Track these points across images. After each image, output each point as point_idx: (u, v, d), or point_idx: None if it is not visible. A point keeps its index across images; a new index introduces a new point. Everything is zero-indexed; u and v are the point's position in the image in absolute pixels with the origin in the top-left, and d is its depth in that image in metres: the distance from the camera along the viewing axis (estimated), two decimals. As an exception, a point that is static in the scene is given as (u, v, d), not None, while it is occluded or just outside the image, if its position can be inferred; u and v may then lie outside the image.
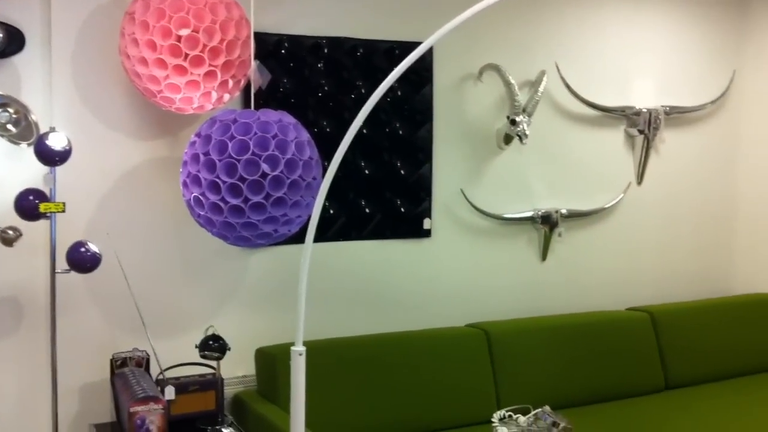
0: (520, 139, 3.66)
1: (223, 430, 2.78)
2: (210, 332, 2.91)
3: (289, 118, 2.68)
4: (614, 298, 4.21)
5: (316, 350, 3.13)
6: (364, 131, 3.44)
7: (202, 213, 2.60)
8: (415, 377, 3.32)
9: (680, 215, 4.44)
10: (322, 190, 2.00)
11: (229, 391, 3.19)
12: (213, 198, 2.54)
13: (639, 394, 3.83)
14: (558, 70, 3.92)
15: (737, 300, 4.36)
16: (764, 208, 4.46)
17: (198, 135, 2.64)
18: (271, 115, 2.63)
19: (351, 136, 1.96)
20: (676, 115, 4.32)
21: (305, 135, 2.68)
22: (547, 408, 2.42)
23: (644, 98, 4.23)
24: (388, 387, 3.26)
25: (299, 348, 2.04)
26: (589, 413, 3.55)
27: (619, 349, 3.84)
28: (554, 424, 2.37)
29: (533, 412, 2.41)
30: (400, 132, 3.54)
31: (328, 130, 3.35)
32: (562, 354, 3.68)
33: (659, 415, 3.54)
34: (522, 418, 2.40)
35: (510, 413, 2.42)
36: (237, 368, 3.25)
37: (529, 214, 3.91)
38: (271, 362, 3.08)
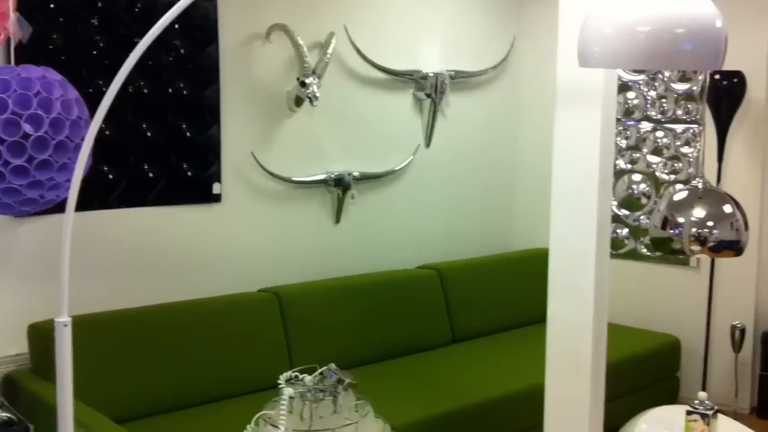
0: (311, 101, 3.64)
1: (-10, 412, 2.58)
2: (-28, 309, 2.68)
3: (53, 75, 2.48)
4: (406, 257, 4.33)
5: (97, 323, 3.01)
6: (145, 91, 3.28)
7: (-46, 178, 2.36)
8: (205, 346, 3.24)
9: (466, 176, 4.64)
10: (83, 152, 1.87)
11: (0, 371, 2.97)
12: (-33, 161, 2.31)
13: (429, 348, 3.98)
14: (347, 32, 3.93)
15: (516, 255, 4.63)
16: (541, 168, 4.73)
17: (-52, 92, 2.38)
18: (33, 71, 2.42)
19: (114, 91, 1.83)
20: (461, 79, 4.48)
21: (73, 93, 2.50)
22: (332, 366, 2.43)
23: (431, 63, 4.35)
24: (178, 357, 3.16)
25: (63, 319, 1.92)
26: (381, 369, 3.65)
27: (410, 306, 3.96)
28: (339, 381, 2.38)
29: (319, 371, 2.41)
30: (185, 92, 3.40)
31: (104, 89, 3.14)
32: (355, 314, 3.75)
33: (447, 367, 3.70)
34: (308, 378, 2.39)
35: (296, 374, 2.41)
36: (9, 347, 3.02)
37: (321, 176, 3.92)
38: (45, 338, 2.88)
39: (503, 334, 4.29)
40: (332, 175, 3.93)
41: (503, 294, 4.38)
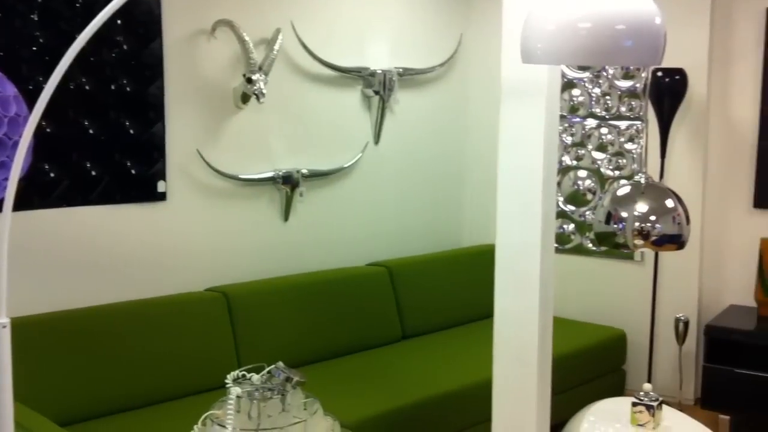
0: (258, 98, 3.61)
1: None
2: None
3: (-10, 71, 2.41)
4: (356, 254, 4.33)
5: (39, 325, 2.94)
6: (87, 88, 3.22)
7: None
8: (151, 346, 3.20)
9: (415, 173, 4.65)
10: (20, 149, 1.82)
11: (-63, 376, 2.88)
12: None
13: (378, 345, 3.99)
14: (294, 28, 3.91)
15: (466, 251, 4.66)
16: (489, 164, 4.79)
17: None
18: (-33, 67, 2.35)
19: (53, 86, 1.79)
20: (409, 76, 4.49)
21: (11, 89, 2.43)
22: (280, 364, 2.41)
23: (379, 60, 4.35)
24: (124, 358, 3.11)
25: (2, 320, 1.86)
26: (331, 367, 3.64)
27: (360, 304, 3.96)
28: (288, 380, 2.37)
29: (267, 369, 2.39)
30: (128, 89, 3.35)
31: (44, 86, 3.07)
32: (304, 312, 3.73)
33: (396, 364, 3.70)
34: (256, 377, 2.37)
35: (244, 373, 2.39)
36: (-54, 350, 2.94)
37: (269, 174, 3.89)
38: (-16, 340, 2.81)
39: (453, 329, 4.32)
40: (280, 173, 3.91)
41: (453, 290, 4.41)
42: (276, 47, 3.72)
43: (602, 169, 4.56)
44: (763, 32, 4.20)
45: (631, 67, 4.42)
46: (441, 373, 3.58)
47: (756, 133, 4.27)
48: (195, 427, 2.30)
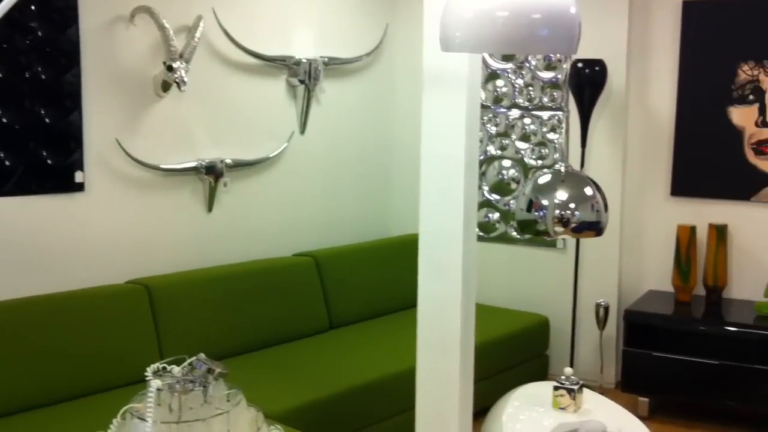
0: (179, 86, 3.55)
1: None
2: None
3: None
4: (281, 245, 4.30)
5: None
6: (0, 75, 3.10)
7: None
8: (70, 340, 3.11)
9: (342, 163, 4.64)
10: None
11: None
12: None
13: (306, 336, 3.97)
14: (215, 15, 3.85)
15: (392, 241, 4.67)
16: (415, 154, 4.81)
17: None
18: None
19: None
20: (335, 66, 4.48)
21: None
22: (202, 356, 2.37)
23: (304, 49, 4.32)
24: (42, 352, 3.02)
25: None
26: (258, 358, 3.61)
27: (287, 294, 3.94)
28: (209, 371, 2.33)
29: (188, 361, 2.35)
30: (43, 77, 3.24)
31: (-48, 72, 2.97)
32: (229, 304, 3.69)
33: (324, 354, 3.70)
34: (177, 369, 2.33)
35: (164, 365, 2.34)
36: None
37: (192, 164, 3.83)
38: None
39: (381, 318, 4.34)
40: (203, 163, 3.85)
41: (380, 279, 4.42)
42: (197, 35, 3.66)
43: (526, 159, 4.64)
44: (680, 25, 4.33)
45: (552, 58, 4.50)
46: (367, 362, 3.58)
47: (673, 123, 4.40)
48: (114, 420, 2.25)
